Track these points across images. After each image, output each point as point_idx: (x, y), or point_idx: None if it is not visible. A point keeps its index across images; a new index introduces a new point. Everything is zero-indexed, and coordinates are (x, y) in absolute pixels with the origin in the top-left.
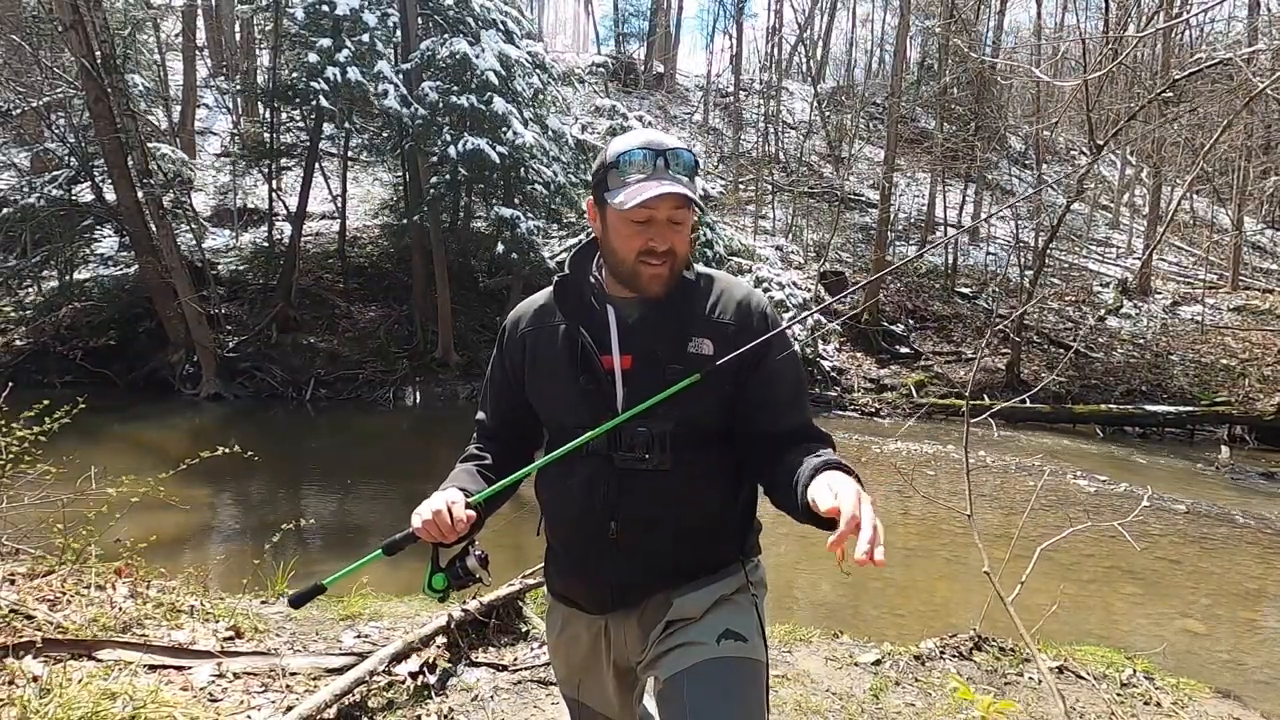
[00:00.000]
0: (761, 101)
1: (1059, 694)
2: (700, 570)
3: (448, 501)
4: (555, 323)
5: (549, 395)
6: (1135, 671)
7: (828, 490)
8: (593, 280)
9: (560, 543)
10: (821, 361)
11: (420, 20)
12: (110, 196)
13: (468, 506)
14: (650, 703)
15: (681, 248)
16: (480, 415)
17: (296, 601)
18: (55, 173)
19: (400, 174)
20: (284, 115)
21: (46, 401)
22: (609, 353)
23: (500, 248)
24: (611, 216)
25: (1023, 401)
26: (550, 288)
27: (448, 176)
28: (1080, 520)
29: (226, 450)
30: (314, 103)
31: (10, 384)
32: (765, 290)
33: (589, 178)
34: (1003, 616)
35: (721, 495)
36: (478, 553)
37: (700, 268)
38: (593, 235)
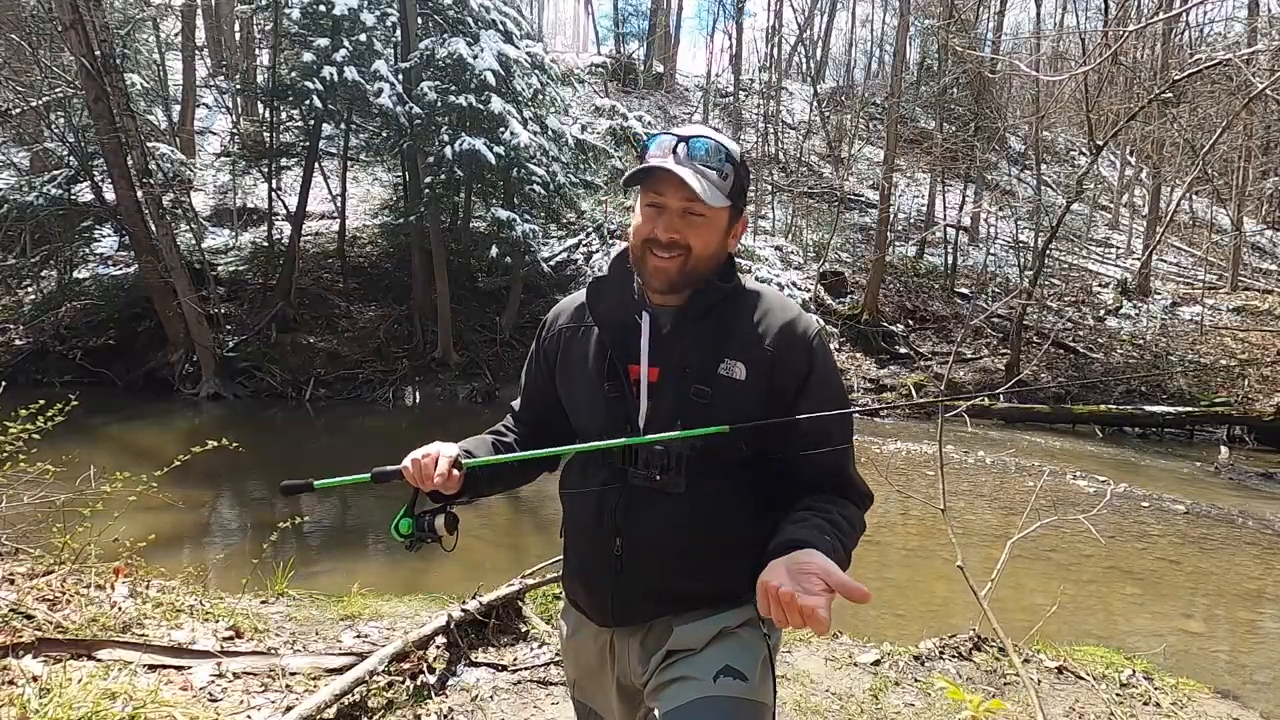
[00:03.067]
0: (761, 101)
1: (1033, 688)
2: (705, 601)
3: (438, 453)
4: (591, 323)
5: (574, 396)
6: (1134, 672)
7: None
8: (636, 284)
9: (572, 549)
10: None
11: (420, 20)
12: (110, 196)
13: (457, 466)
14: None
15: (699, 244)
16: (514, 403)
17: (287, 490)
18: (55, 172)
19: (400, 174)
20: (283, 115)
21: (41, 401)
22: (636, 361)
23: (494, 250)
24: (638, 207)
25: (996, 398)
26: None
27: (444, 176)
28: (1075, 520)
29: (215, 445)
30: (308, 102)
31: (5, 384)
32: None
33: (589, 178)
34: (1003, 616)
35: (737, 527)
36: (449, 514)
37: (751, 283)
38: None
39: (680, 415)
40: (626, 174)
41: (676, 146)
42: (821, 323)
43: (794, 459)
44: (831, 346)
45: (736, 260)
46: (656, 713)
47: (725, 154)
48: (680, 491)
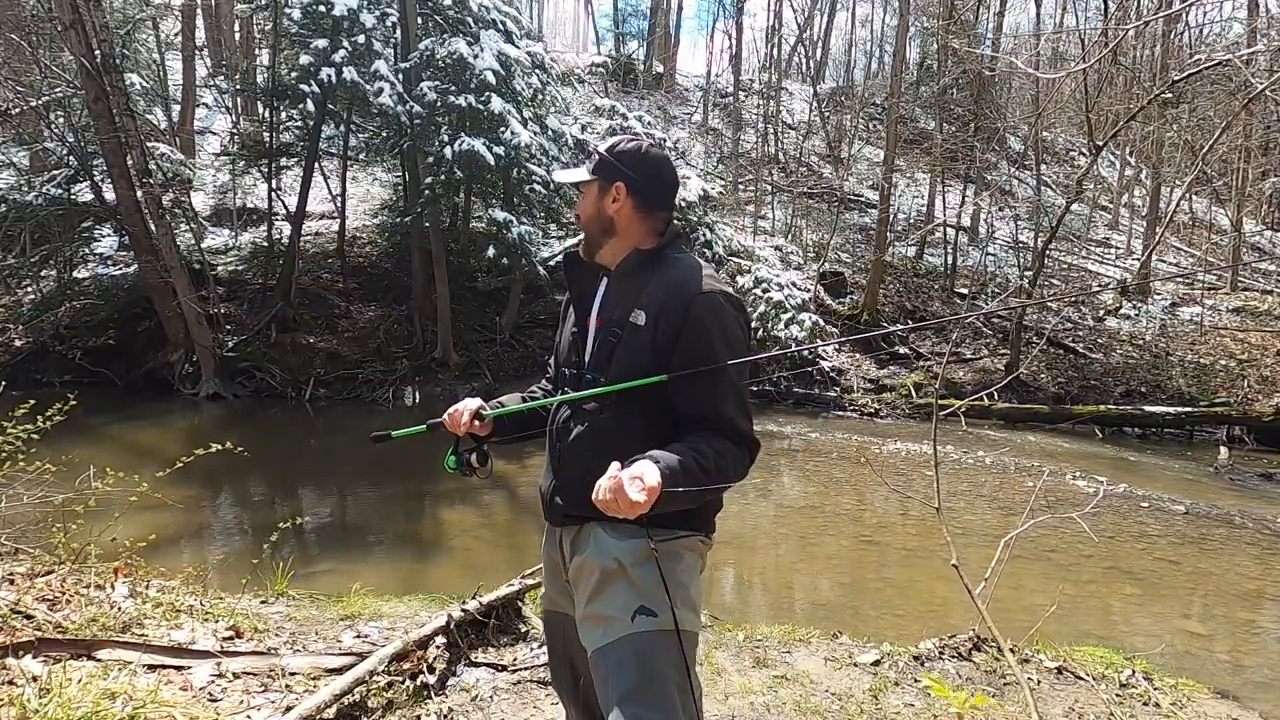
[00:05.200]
0: (761, 102)
1: (1029, 687)
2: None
3: (466, 408)
4: None
5: (560, 340)
6: (1134, 672)
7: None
8: None
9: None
10: (821, 362)
11: (420, 20)
12: (109, 196)
13: (479, 418)
14: None
15: (582, 211)
16: (549, 359)
17: (375, 439)
18: (54, 172)
19: (399, 174)
20: (283, 114)
21: (33, 402)
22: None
23: (491, 251)
24: None
25: (992, 397)
26: None
27: (444, 176)
28: (1073, 520)
29: (219, 448)
30: (304, 105)
31: (5, 384)
32: (764, 291)
33: None
34: (1002, 617)
35: (639, 444)
36: (480, 453)
37: (688, 255)
38: None
39: (602, 350)
40: None
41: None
42: (722, 289)
43: (675, 399)
44: (832, 347)
45: (736, 259)
46: (588, 647)
47: (594, 148)
48: (598, 412)
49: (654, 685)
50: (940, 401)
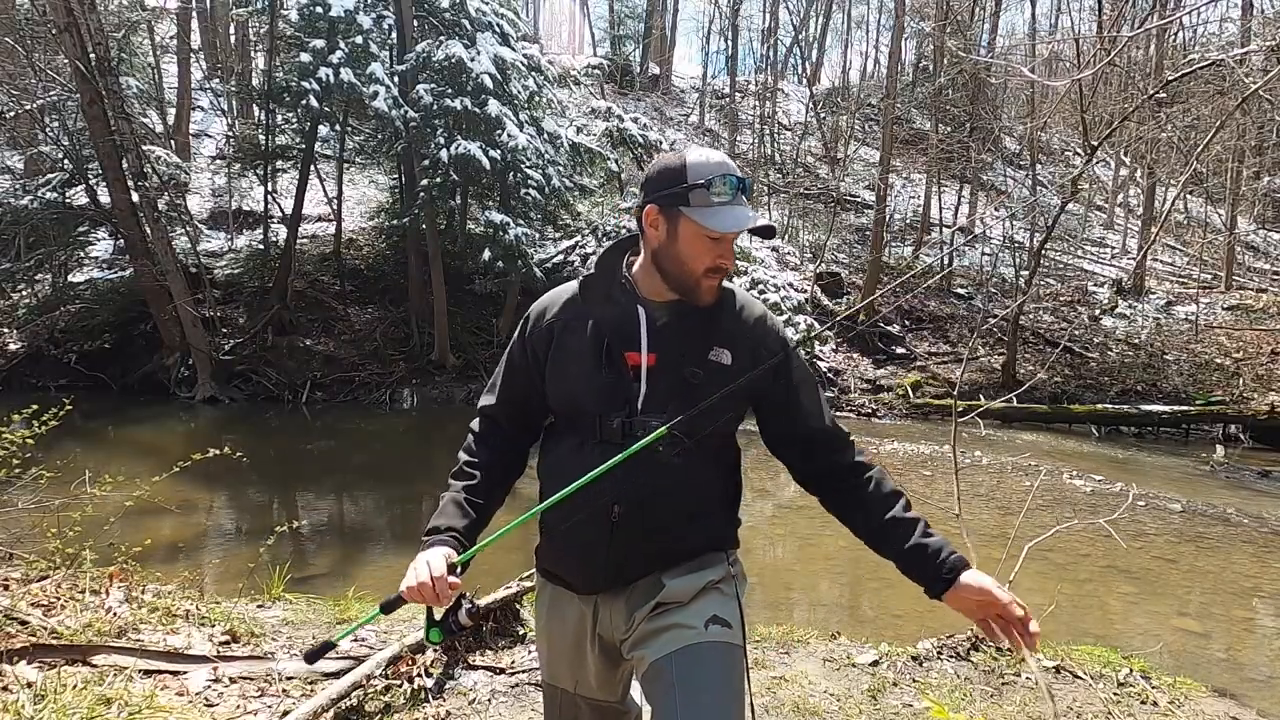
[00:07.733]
0: (757, 103)
1: (1048, 690)
2: (688, 557)
3: (432, 574)
4: (584, 316)
5: (571, 382)
6: (1132, 671)
7: (975, 604)
8: (624, 280)
9: (560, 522)
10: (818, 362)
11: (416, 23)
12: (105, 199)
13: (453, 569)
14: (637, 691)
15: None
16: (486, 401)
17: (311, 657)
18: (50, 175)
19: (396, 176)
20: (279, 117)
21: (35, 407)
22: (634, 349)
23: (487, 253)
24: (686, 230)
25: (1009, 401)
26: (576, 281)
27: (439, 180)
28: (1073, 519)
29: (217, 453)
30: (305, 103)
31: (0, 388)
32: (760, 292)
33: (585, 181)
34: None
35: (718, 489)
36: (468, 606)
37: (724, 283)
38: (618, 238)
39: (676, 394)
40: (735, 225)
41: (739, 187)
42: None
43: (799, 426)
44: (829, 347)
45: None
46: (647, 657)
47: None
48: (674, 456)
49: (733, 691)
50: (960, 403)
